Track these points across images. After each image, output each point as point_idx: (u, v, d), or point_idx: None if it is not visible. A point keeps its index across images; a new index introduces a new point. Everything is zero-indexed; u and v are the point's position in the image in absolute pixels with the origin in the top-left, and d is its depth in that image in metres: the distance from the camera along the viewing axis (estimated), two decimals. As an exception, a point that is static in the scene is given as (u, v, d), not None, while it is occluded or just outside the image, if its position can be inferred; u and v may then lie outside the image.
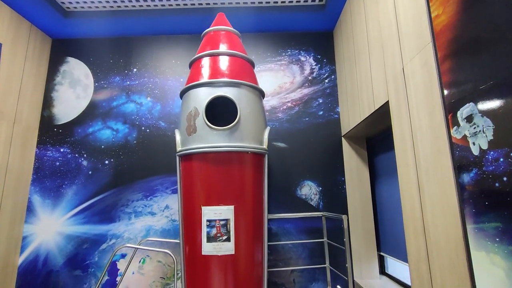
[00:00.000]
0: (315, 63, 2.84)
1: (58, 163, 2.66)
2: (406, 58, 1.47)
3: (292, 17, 2.72)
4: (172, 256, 1.64)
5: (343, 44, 2.57)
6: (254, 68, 2.14)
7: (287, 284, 2.42)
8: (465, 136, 1.10)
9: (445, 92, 1.20)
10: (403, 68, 1.51)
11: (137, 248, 2.04)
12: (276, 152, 2.63)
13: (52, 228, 2.53)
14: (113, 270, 2.45)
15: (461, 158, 1.11)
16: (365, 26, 2.03)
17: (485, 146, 1.01)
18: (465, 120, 1.11)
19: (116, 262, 2.46)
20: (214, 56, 1.94)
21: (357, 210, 2.49)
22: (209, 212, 1.66)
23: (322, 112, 2.73)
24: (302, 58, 2.86)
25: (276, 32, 2.90)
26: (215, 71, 1.88)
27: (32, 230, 2.53)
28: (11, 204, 2.41)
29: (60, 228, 2.53)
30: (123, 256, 2.47)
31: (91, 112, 2.76)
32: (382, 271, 2.47)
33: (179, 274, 2.19)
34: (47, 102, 2.79)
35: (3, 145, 2.35)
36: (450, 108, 1.16)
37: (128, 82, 2.82)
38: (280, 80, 2.81)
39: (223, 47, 1.96)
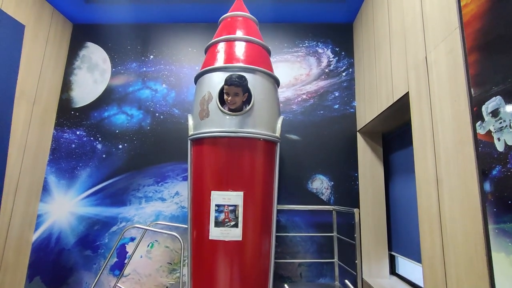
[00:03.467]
0: (333, 55, 2.78)
1: (74, 145, 2.72)
2: (430, 46, 1.41)
3: (311, 8, 2.66)
4: (179, 239, 1.64)
5: (363, 36, 2.50)
6: (270, 55, 2.11)
7: (294, 277, 2.38)
8: (489, 132, 1.05)
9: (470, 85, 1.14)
10: (426, 57, 1.44)
11: (146, 229, 2.05)
12: (288, 144, 2.59)
13: (66, 208, 2.59)
14: (122, 253, 2.49)
15: (484, 155, 1.05)
16: (387, 16, 1.96)
17: (511, 142, 0.95)
18: (490, 115, 1.05)
19: (126, 245, 2.50)
20: (230, 41, 1.91)
21: (369, 207, 2.42)
22: (218, 197, 1.65)
23: (337, 105, 2.67)
24: (320, 50, 2.80)
25: (294, 23, 2.85)
26: (230, 56, 1.86)
27: (46, 209, 2.59)
28: (28, 183, 2.48)
29: (73, 208, 2.58)
30: (132, 239, 2.50)
31: (107, 97, 2.80)
32: (393, 271, 2.40)
33: (186, 261, 2.19)
34: (66, 85, 2.85)
35: (22, 124, 2.42)
36: (475, 102, 1.10)
37: (144, 69, 2.84)
38: (296, 72, 2.76)
39: (239, 33, 1.94)
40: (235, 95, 1.73)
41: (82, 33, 2.95)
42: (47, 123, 2.69)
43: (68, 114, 2.78)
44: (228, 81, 1.71)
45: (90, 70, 2.87)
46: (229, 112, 1.75)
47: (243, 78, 1.72)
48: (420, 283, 1.96)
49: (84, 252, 2.50)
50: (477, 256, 1.06)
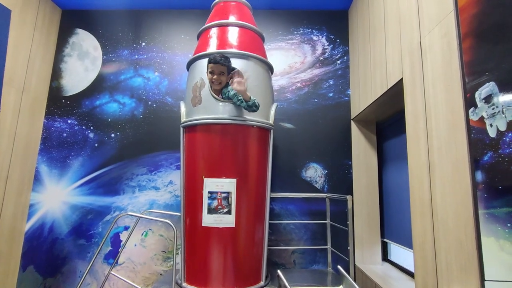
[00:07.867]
0: (328, 43, 2.74)
1: (65, 134, 2.67)
2: (425, 31, 1.39)
3: (306, -6, 2.61)
4: (172, 226, 1.63)
5: (358, 23, 2.47)
6: (264, 42, 2.07)
7: (287, 264, 2.41)
8: (482, 118, 1.05)
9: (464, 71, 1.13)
10: (420, 42, 1.43)
11: (139, 217, 2.04)
12: (282, 132, 2.58)
13: (58, 197, 2.56)
14: (116, 241, 2.49)
15: (476, 141, 1.05)
16: (383, 2, 1.93)
17: (503, 128, 0.96)
18: (483, 101, 1.05)
19: (120, 234, 2.49)
20: (222, 27, 1.88)
21: (362, 194, 2.44)
22: (211, 184, 1.64)
23: (332, 94, 2.65)
24: (315, 38, 2.76)
25: (288, 9, 2.80)
26: (223, 42, 1.83)
27: (38, 198, 2.57)
28: (19, 172, 2.45)
29: (66, 198, 2.56)
30: (126, 228, 2.49)
31: (99, 85, 2.74)
32: (385, 257, 2.43)
33: (179, 248, 2.20)
34: (56, 73, 2.79)
35: (11, 113, 2.37)
36: (468, 88, 1.10)
37: (136, 56, 2.79)
38: (291, 60, 2.73)
39: (232, 18, 1.90)
40: (221, 73, 1.70)
41: (72, 19, 2.87)
42: (37, 111, 2.64)
43: (59, 102, 2.73)
44: (212, 60, 1.69)
45: (80, 57, 2.81)
46: (221, 98, 1.72)
47: (228, 59, 1.71)
48: (412, 269, 1.99)
49: (78, 241, 2.49)
50: (467, 240, 1.07)
